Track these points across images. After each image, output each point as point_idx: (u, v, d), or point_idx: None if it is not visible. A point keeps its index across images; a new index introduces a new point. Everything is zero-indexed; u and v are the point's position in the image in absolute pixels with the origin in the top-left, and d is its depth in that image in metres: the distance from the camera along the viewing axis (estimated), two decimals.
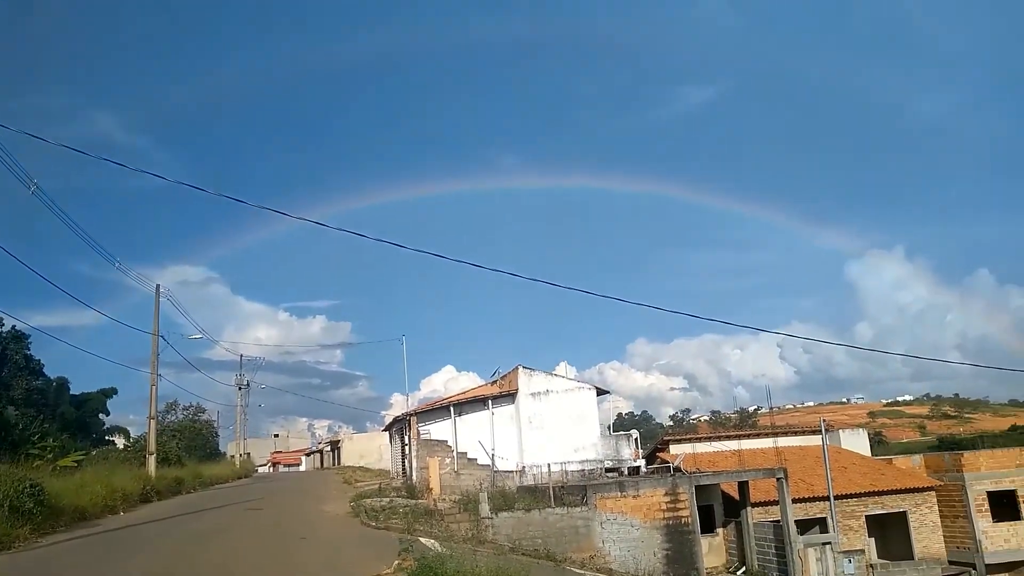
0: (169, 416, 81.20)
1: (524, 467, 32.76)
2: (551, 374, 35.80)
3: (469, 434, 33.56)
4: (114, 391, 60.89)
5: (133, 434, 59.49)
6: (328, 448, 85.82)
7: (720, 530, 29.94)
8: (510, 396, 34.66)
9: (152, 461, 33.39)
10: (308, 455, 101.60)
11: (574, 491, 26.41)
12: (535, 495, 26.82)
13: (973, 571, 31.83)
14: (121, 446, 54.86)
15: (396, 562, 13.27)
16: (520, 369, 35.09)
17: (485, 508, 23.76)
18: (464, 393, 38.83)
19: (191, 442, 73.20)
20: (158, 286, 36.19)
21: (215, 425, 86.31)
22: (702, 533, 27.29)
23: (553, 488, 26.38)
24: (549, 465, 29.47)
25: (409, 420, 34.44)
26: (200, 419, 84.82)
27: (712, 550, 29.12)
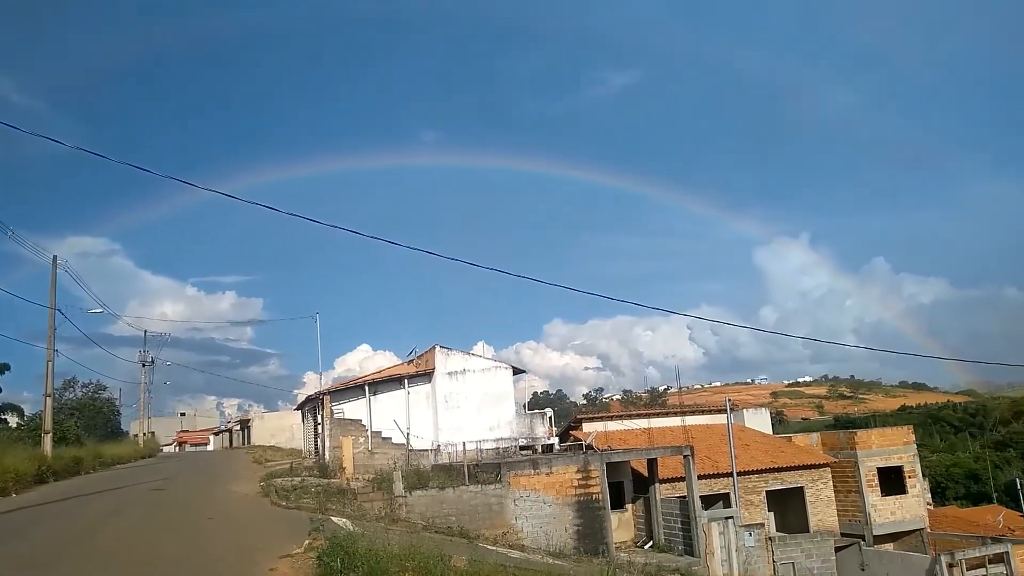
0: (67, 394, 77.59)
1: (439, 446, 32.79)
2: (468, 353, 35.83)
3: (384, 413, 33.31)
4: (7, 367, 57.56)
5: (27, 412, 56.58)
6: (238, 427, 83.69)
7: (629, 506, 30.75)
8: (426, 375, 34.54)
9: (48, 440, 31.88)
10: (216, 434, 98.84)
11: (489, 469, 26.60)
12: (450, 473, 26.91)
13: (863, 542, 33.71)
14: (14, 425, 52.21)
15: (307, 541, 13.10)
16: (437, 348, 34.99)
17: (399, 487, 23.69)
18: (380, 372, 38.47)
19: (91, 421, 70.14)
20: (55, 257, 34.43)
21: (117, 403, 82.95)
22: (612, 509, 27.96)
23: (468, 466, 26.51)
24: (464, 444, 29.56)
25: (322, 399, 33.90)
26: (101, 397, 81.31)
27: (621, 525, 29.89)
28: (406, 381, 34.24)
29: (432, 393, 34.28)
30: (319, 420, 35.51)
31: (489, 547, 19.87)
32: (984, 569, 29.46)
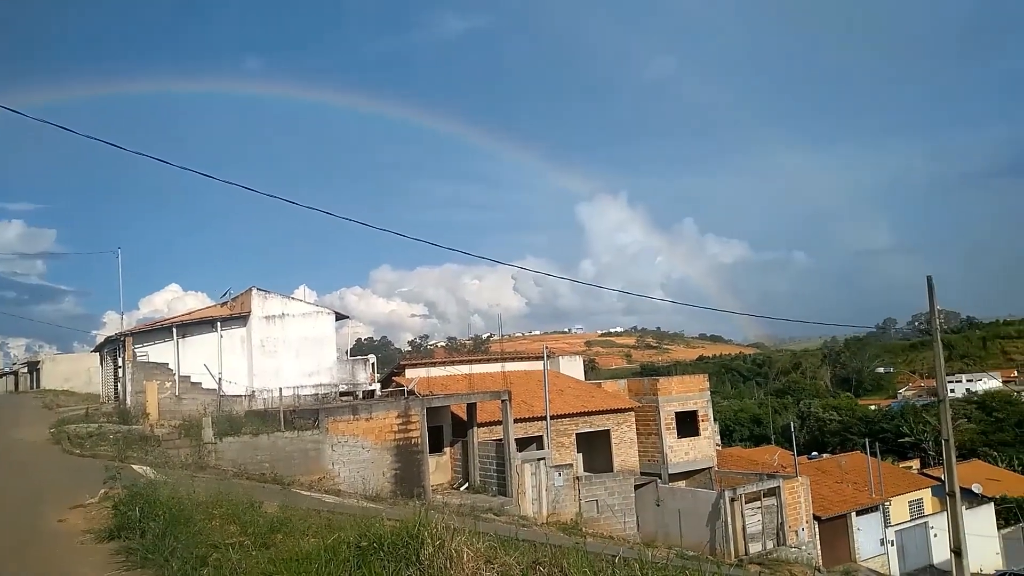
0: None
1: (254, 392, 31.66)
2: (288, 297, 34.65)
3: (194, 357, 31.58)
4: None
5: None
6: (25, 370, 76.19)
7: (448, 449, 31.39)
8: (242, 319, 33.06)
9: None
10: (0, 377, 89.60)
11: (306, 415, 26.14)
12: (265, 420, 26.18)
13: (659, 480, 36.58)
14: None
15: (102, 491, 12.29)
16: (254, 291, 33.51)
17: (209, 433, 22.73)
18: (190, 314, 36.34)
19: None
20: None
21: None
22: (431, 453, 28.44)
23: (284, 412, 25.88)
24: (281, 390, 28.71)
25: (124, 341, 31.56)
26: None
27: (439, 468, 30.50)
28: (219, 324, 32.60)
29: (248, 337, 32.91)
30: (120, 363, 33.09)
31: (304, 493, 19.61)
32: (760, 502, 32.98)
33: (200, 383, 31.40)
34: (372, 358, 37.55)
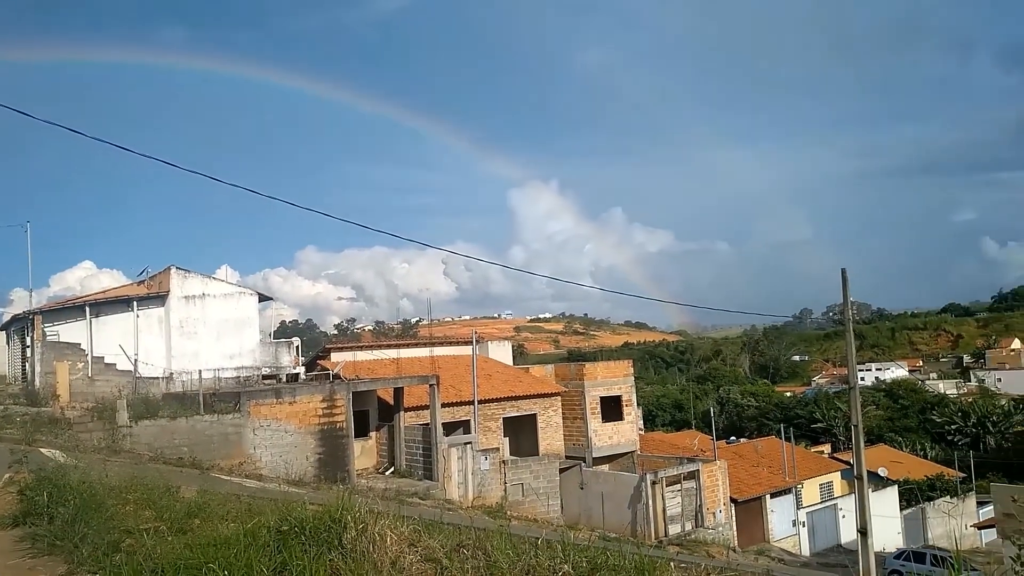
0: None
1: (173, 374, 30.69)
2: (210, 277, 33.65)
3: (109, 337, 30.39)
4: None
5: None
6: None
7: (373, 434, 31.17)
8: (160, 298, 31.95)
9: None
10: None
11: (227, 398, 25.54)
12: (184, 403, 25.45)
13: (583, 463, 37.16)
14: None
15: (7, 475, 11.73)
16: (173, 270, 32.42)
17: (123, 416, 21.96)
18: (105, 292, 34.93)
19: None
20: None
21: None
22: (356, 437, 28.19)
23: (204, 395, 25.21)
24: (201, 372, 27.91)
25: (33, 319, 30.11)
26: None
27: (364, 453, 30.26)
28: (135, 303, 31.43)
29: (166, 318, 31.86)
30: (29, 343, 31.59)
31: (224, 477, 19.17)
32: (680, 485, 33.89)
33: (115, 364, 30.26)
34: (296, 341, 36.84)
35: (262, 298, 35.27)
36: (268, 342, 34.85)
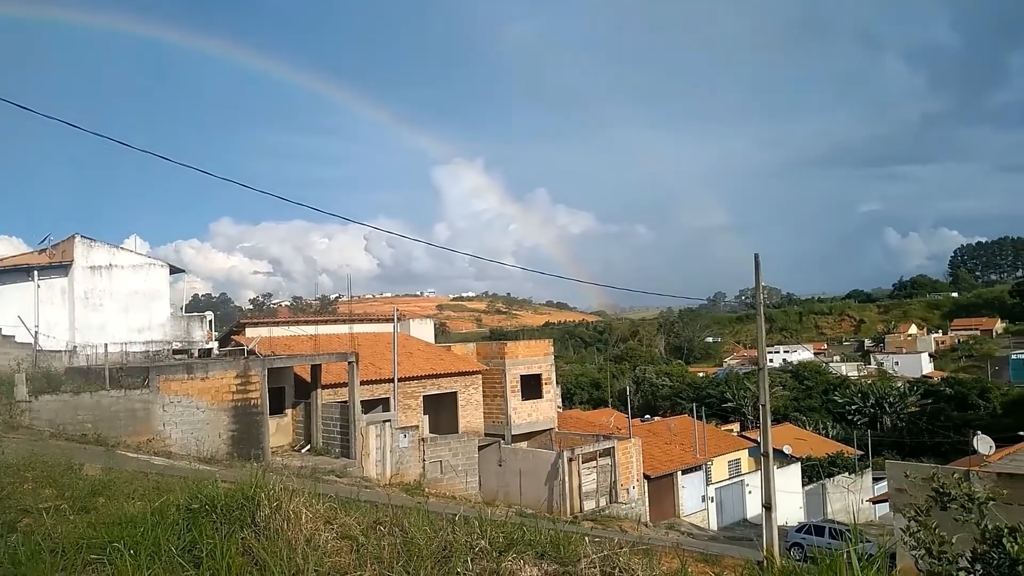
0: None
1: (76, 347, 29.34)
2: (117, 247, 32.22)
3: (6, 308, 28.79)
4: None
5: None
6: None
7: (289, 411, 30.63)
8: (63, 268, 30.43)
9: None
10: None
11: (136, 373, 24.62)
12: (88, 377, 24.44)
13: (502, 440, 37.53)
14: None
15: None
16: (78, 238, 30.90)
17: (22, 391, 20.93)
18: (2, 260, 33.00)
19: None
20: None
21: None
22: (272, 414, 27.65)
23: (111, 370, 24.22)
24: (107, 346, 26.77)
25: None
26: None
27: (280, 430, 29.73)
28: (36, 272, 29.84)
29: (69, 288, 30.38)
30: None
31: (131, 455, 18.50)
32: (595, 461, 34.63)
33: (13, 336, 28.69)
34: (209, 315, 35.71)
35: (173, 270, 34.06)
36: (179, 316, 33.70)
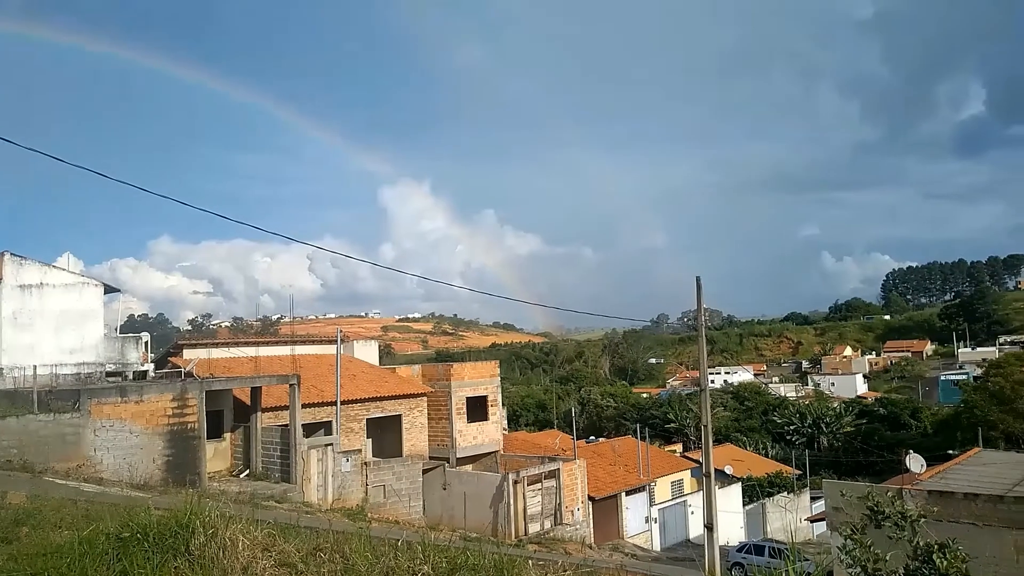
0: None
1: (3, 369, 28.13)
2: (50, 266, 31.09)
3: None
4: None
5: None
6: None
7: (228, 435, 29.87)
8: None
9: None
10: None
11: (66, 396, 23.71)
12: (15, 400, 23.41)
13: (447, 464, 37.19)
14: None
15: None
16: (7, 256, 29.72)
17: None
18: None
19: None
20: None
21: None
22: (209, 438, 26.91)
23: (40, 392, 23.29)
24: (36, 368, 25.73)
25: None
26: None
27: (218, 455, 28.95)
28: None
29: None
30: None
31: (59, 481, 17.78)
32: (540, 484, 34.57)
33: None
34: (146, 336, 34.66)
35: (108, 289, 33.02)
36: (114, 337, 32.64)
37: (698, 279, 22.29)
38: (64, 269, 31.73)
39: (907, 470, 24.78)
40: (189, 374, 28.84)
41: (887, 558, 5.64)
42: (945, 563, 5.32)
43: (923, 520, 6.11)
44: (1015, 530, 17.38)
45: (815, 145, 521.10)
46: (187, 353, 34.82)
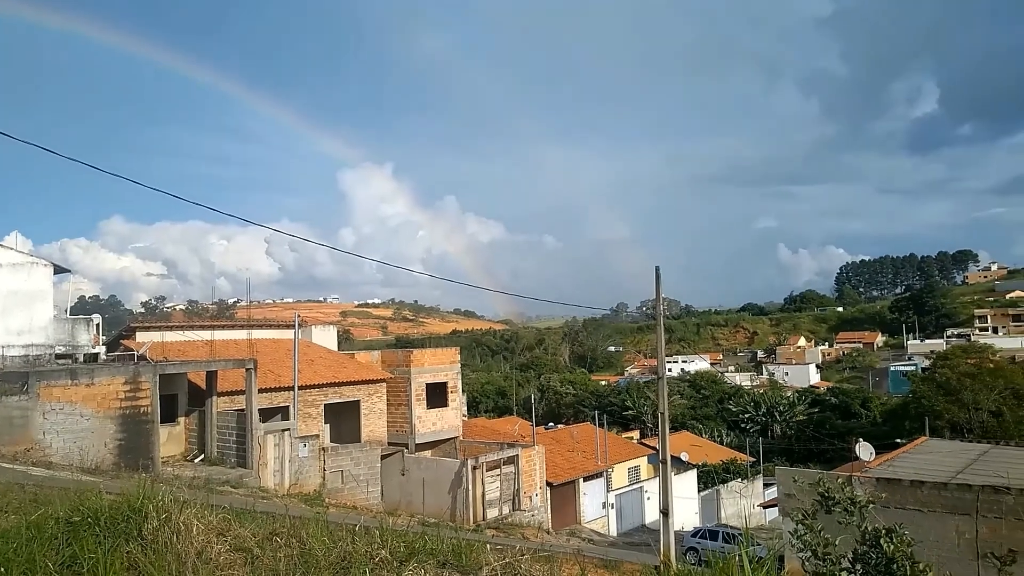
0: None
1: None
2: None
3: None
4: None
5: None
6: None
7: (182, 419, 29.42)
8: None
9: None
10: None
11: (13, 378, 23.09)
12: None
13: (406, 450, 37.10)
14: None
15: None
16: None
17: None
18: None
19: None
20: None
21: None
22: (163, 423, 26.46)
23: None
24: None
25: None
26: None
27: (171, 439, 28.51)
28: None
29: None
30: None
31: (5, 465, 17.35)
32: (499, 470, 34.71)
33: None
34: (97, 318, 33.88)
35: (58, 270, 32.19)
36: (64, 318, 31.86)
37: (657, 269, 22.49)
38: (12, 248, 30.84)
39: (857, 458, 25.44)
40: (142, 357, 28.27)
41: (836, 543, 5.78)
42: (892, 547, 5.48)
43: (871, 506, 6.27)
44: (957, 515, 17.99)
45: (775, 140, 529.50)
46: (140, 336, 34.13)
